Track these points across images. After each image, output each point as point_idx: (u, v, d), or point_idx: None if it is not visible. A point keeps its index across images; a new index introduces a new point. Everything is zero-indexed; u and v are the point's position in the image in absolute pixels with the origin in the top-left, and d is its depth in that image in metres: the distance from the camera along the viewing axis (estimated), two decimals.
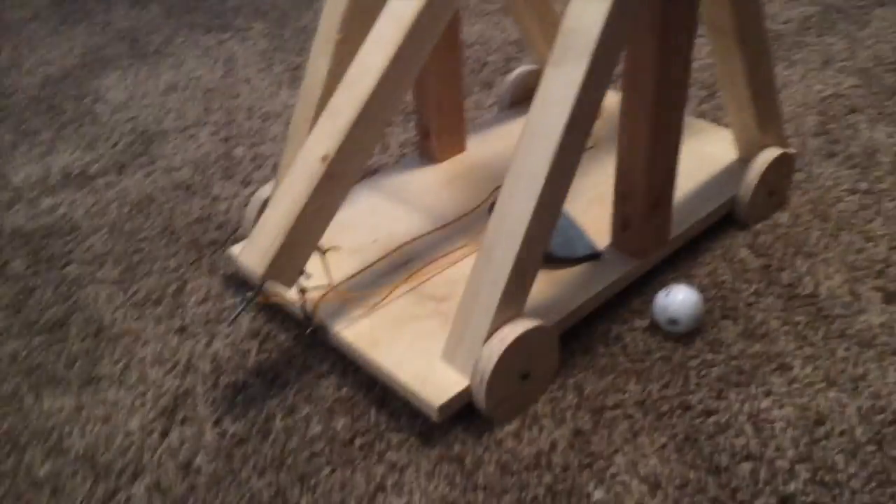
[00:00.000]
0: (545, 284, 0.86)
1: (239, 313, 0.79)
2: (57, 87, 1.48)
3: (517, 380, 0.76)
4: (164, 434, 0.78)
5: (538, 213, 0.72)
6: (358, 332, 0.82)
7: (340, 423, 0.78)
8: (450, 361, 0.77)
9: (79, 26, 1.74)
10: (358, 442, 0.76)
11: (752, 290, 0.91)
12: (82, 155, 1.27)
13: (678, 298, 0.84)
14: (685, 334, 0.85)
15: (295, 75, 1.46)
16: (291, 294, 0.84)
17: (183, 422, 0.79)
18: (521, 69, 1.22)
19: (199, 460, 0.75)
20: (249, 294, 0.76)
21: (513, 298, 0.75)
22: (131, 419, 0.80)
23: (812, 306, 0.88)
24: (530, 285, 0.76)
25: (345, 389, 0.82)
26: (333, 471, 0.73)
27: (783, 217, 1.02)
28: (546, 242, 0.76)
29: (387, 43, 0.75)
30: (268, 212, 0.76)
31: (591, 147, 1.09)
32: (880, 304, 0.88)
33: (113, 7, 1.83)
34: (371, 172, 1.12)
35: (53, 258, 1.04)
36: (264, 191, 0.97)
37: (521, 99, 1.22)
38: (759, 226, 1.00)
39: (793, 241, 0.97)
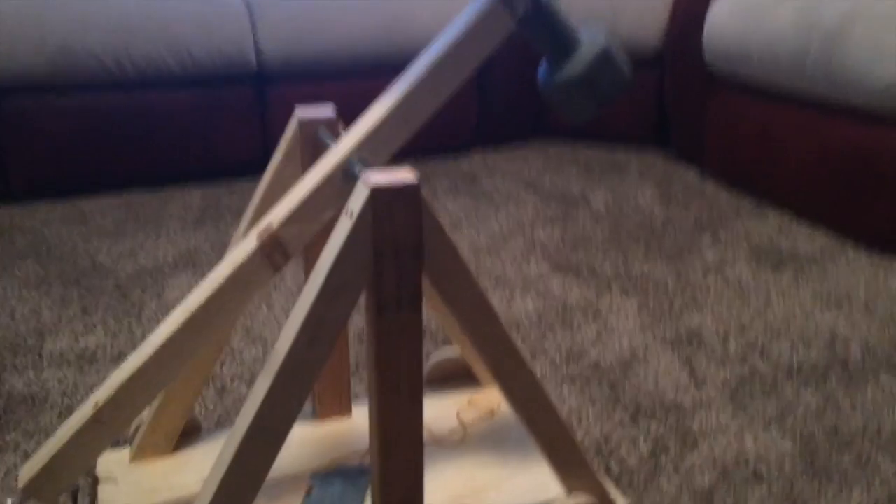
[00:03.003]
0: None
1: None
2: None
3: None
4: None
5: (222, 491, 0.81)
6: None
7: None
8: None
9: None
10: None
11: None
12: None
13: None
14: None
15: None
16: None
17: None
18: (441, 354, 1.31)
19: None
20: (11, 500, 0.92)
21: None
22: None
23: None
24: None
25: None
26: None
27: None
28: None
29: (173, 320, 0.91)
30: (51, 438, 0.92)
31: (459, 442, 1.15)
32: None
33: None
34: None
35: None
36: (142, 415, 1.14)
37: (436, 379, 1.30)
38: None
39: None
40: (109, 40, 2.15)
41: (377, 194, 0.79)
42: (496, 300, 1.68)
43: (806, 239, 2.01)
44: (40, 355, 1.43)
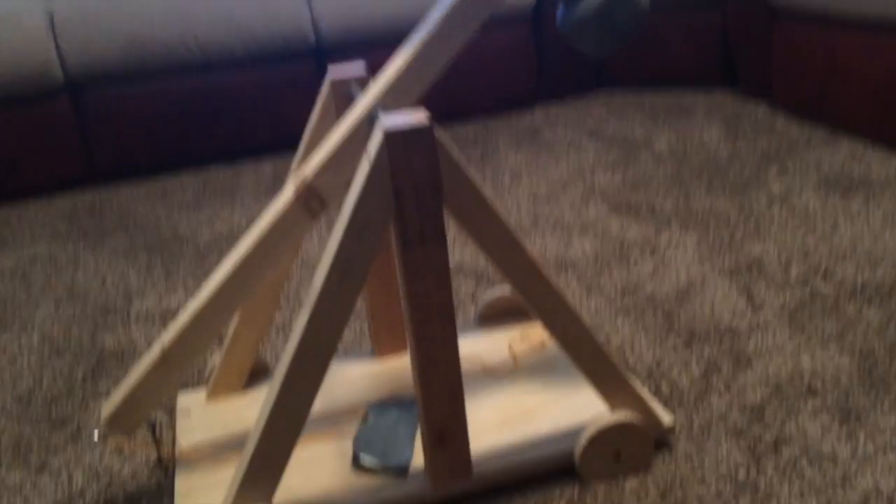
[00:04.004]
0: (332, 485, 1.00)
1: (96, 440, 1.05)
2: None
3: None
4: None
5: (271, 421, 0.89)
6: (185, 483, 1.02)
7: None
8: None
9: None
10: None
11: None
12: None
13: None
14: None
15: None
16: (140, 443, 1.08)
17: None
18: (493, 292, 1.35)
19: None
20: (97, 431, 1.02)
21: (253, 486, 0.90)
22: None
23: None
24: (275, 478, 0.91)
25: None
26: None
27: (631, 483, 1.01)
28: (286, 447, 0.90)
29: (225, 266, 0.99)
30: (126, 378, 1.02)
31: (510, 372, 1.20)
32: None
33: None
34: None
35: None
36: (215, 358, 1.24)
37: (490, 317, 1.35)
38: (599, 486, 1.01)
39: None
40: (176, 29, 2.27)
41: (391, 137, 0.84)
42: (553, 244, 1.70)
43: (880, 163, 1.93)
44: (128, 315, 1.56)
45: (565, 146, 2.29)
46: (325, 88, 1.08)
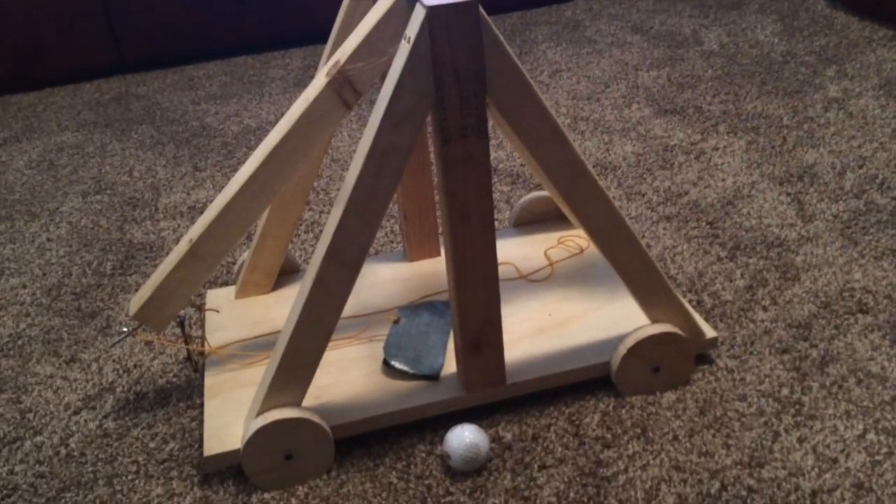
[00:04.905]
0: (363, 386, 0.98)
1: (116, 343, 1.04)
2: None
3: (280, 458, 0.90)
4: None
5: (302, 321, 0.86)
6: (214, 381, 1.01)
7: (170, 445, 0.99)
8: (244, 426, 0.93)
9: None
10: (160, 457, 0.96)
11: (558, 454, 0.92)
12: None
13: (455, 436, 0.89)
14: (464, 473, 0.90)
15: None
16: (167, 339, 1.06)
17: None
18: (531, 195, 1.30)
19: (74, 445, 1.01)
20: (125, 329, 1.00)
21: (284, 387, 0.89)
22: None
23: (600, 489, 0.87)
24: (306, 379, 0.89)
25: (191, 419, 1.02)
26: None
27: (669, 398, 0.98)
28: (317, 349, 0.88)
29: (255, 157, 0.94)
30: (155, 272, 0.99)
31: (546, 279, 1.16)
32: None
33: None
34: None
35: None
36: (244, 256, 1.21)
37: (526, 221, 1.30)
38: (634, 398, 0.99)
39: (649, 425, 0.95)
40: None
41: (434, 14, 0.77)
42: (593, 146, 1.63)
43: None
44: (156, 208, 1.53)
45: (608, 42, 2.17)
46: None
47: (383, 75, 0.91)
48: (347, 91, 0.91)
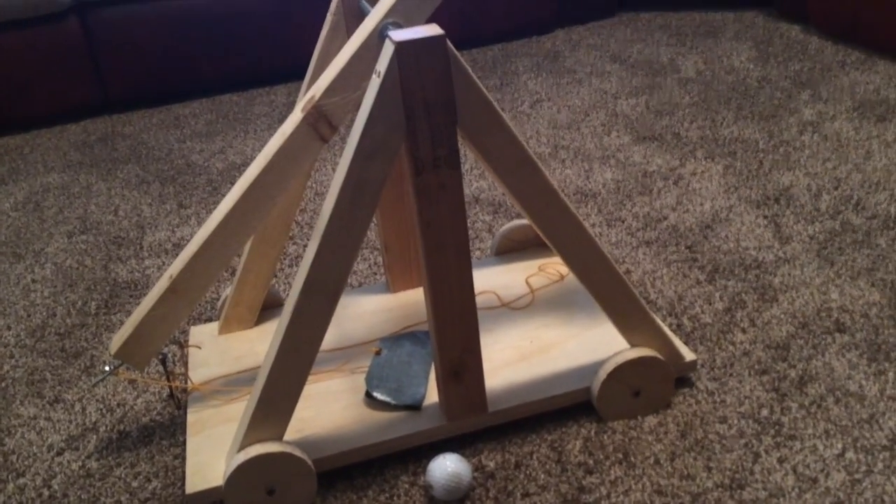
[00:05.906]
0: (345, 419, 0.98)
1: (98, 382, 1.04)
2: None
3: (262, 493, 0.90)
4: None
5: (282, 354, 0.86)
6: (197, 417, 1.01)
7: (152, 483, 0.98)
8: (226, 462, 0.93)
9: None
10: (142, 495, 0.95)
11: (540, 482, 0.92)
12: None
13: (437, 465, 0.90)
14: (447, 503, 0.90)
15: None
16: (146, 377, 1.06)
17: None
18: (511, 223, 1.31)
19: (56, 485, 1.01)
20: (108, 368, 1.01)
21: (265, 421, 0.89)
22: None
23: None
24: (287, 412, 0.90)
25: (173, 457, 1.02)
26: None
27: (650, 421, 0.99)
28: (297, 382, 0.89)
29: (233, 193, 0.95)
30: (135, 310, 1.00)
31: (527, 306, 1.17)
32: None
33: None
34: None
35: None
36: (227, 291, 1.22)
37: (508, 249, 1.31)
38: (616, 423, 0.99)
39: (631, 449, 0.95)
40: None
41: (402, 48, 0.79)
42: (574, 173, 1.65)
43: None
44: (141, 246, 1.54)
45: (587, 72, 2.21)
46: (334, 4, 1.03)
47: (357, 105, 0.93)
48: (323, 125, 0.93)
